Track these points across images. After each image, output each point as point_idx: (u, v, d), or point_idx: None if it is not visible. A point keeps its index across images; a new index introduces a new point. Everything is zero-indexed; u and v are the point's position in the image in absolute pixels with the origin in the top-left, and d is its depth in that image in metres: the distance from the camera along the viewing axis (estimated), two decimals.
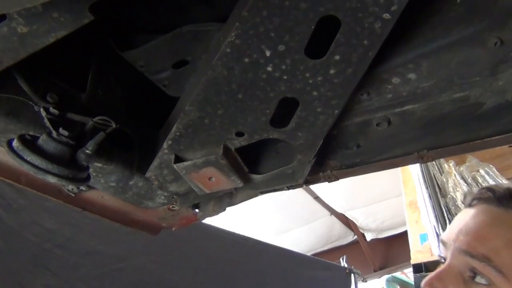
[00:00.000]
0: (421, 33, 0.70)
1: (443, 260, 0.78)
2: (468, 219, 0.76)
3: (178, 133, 0.75)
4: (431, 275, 0.74)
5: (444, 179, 2.82)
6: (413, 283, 2.82)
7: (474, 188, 2.67)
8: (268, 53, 0.63)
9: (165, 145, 0.78)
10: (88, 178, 0.80)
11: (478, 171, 2.78)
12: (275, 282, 3.34)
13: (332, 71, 0.64)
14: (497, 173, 2.76)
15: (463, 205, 0.84)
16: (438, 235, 2.59)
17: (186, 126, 0.74)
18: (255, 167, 0.85)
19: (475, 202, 0.78)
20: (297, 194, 4.51)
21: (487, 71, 0.70)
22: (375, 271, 5.55)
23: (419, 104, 0.77)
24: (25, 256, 1.87)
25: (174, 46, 0.79)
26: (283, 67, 0.64)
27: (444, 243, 0.78)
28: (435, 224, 2.65)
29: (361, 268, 4.87)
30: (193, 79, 0.79)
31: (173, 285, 2.38)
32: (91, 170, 0.81)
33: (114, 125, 0.76)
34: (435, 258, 2.57)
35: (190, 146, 0.78)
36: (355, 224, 5.43)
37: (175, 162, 0.79)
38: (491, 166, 2.79)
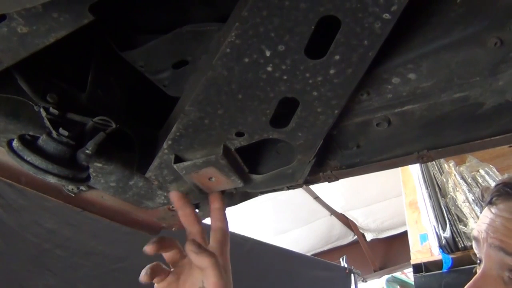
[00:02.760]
0: (421, 33, 0.70)
1: (478, 261, 0.77)
2: (493, 217, 0.76)
3: (178, 133, 0.75)
4: (469, 284, 0.72)
5: (444, 179, 2.82)
6: (413, 283, 2.82)
7: (474, 189, 2.67)
8: (268, 53, 0.62)
9: (165, 145, 0.78)
10: (88, 178, 0.80)
11: (478, 171, 2.78)
12: (275, 282, 3.34)
13: (332, 71, 0.64)
14: (497, 173, 2.75)
15: (481, 202, 0.83)
16: (438, 235, 2.59)
17: (186, 126, 0.74)
18: (255, 167, 0.85)
19: (495, 199, 0.77)
20: (297, 194, 4.51)
21: (487, 71, 0.70)
22: (375, 271, 5.55)
23: (419, 104, 0.77)
24: (25, 256, 1.87)
25: (174, 46, 0.79)
26: (283, 67, 0.64)
27: (476, 240, 0.77)
28: (435, 224, 2.64)
29: (361, 268, 4.88)
30: (193, 79, 0.79)
31: None
32: (91, 170, 0.81)
33: (114, 125, 0.76)
34: (435, 258, 2.58)
35: (190, 146, 0.78)
36: (355, 224, 5.43)
37: (175, 162, 0.79)
38: (491, 166, 2.79)
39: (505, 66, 0.68)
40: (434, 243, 2.60)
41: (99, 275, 2.10)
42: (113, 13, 0.75)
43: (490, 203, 0.79)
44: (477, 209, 2.55)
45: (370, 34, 0.60)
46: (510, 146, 0.76)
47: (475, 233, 0.77)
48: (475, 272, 0.77)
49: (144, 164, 0.84)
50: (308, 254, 4.95)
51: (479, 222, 0.79)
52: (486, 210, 0.80)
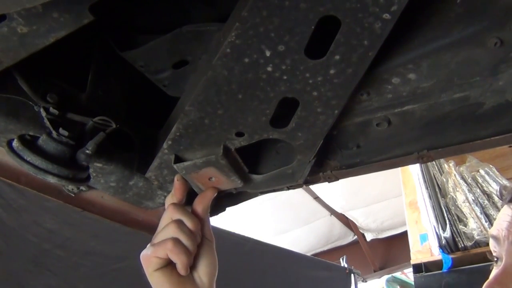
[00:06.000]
0: (421, 33, 0.70)
1: (495, 259, 0.77)
2: None
3: (178, 133, 0.75)
4: (490, 280, 0.72)
5: (444, 179, 2.82)
6: (413, 283, 2.82)
7: (474, 189, 2.67)
8: (268, 53, 0.63)
9: (165, 145, 0.78)
10: (88, 178, 0.80)
11: (478, 171, 2.78)
12: (275, 282, 3.34)
13: (332, 71, 0.64)
14: (497, 173, 2.75)
15: (499, 201, 0.84)
16: (438, 235, 2.59)
17: (186, 126, 0.74)
18: (255, 167, 0.85)
19: None
20: (297, 194, 4.51)
21: (487, 71, 0.70)
22: (375, 271, 5.54)
23: (419, 104, 0.77)
24: (25, 256, 1.87)
25: (174, 46, 0.79)
26: (283, 67, 0.64)
27: (496, 238, 0.77)
28: (435, 224, 2.64)
29: (361, 268, 4.88)
30: (193, 79, 0.79)
31: None
32: (91, 170, 0.81)
33: (114, 125, 0.76)
34: (435, 258, 2.58)
35: (190, 146, 0.78)
36: (355, 224, 5.43)
37: (175, 162, 0.79)
38: (491, 166, 2.79)
39: (505, 66, 0.68)
40: (434, 243, 2.60)
41: (99, 275, 2.10)
42: (113, 13, 0.75)
43: (511, 201, 0.79)
44: (477, 209, 2.56)
45: (370, 34, 0.60)
46: (510, 146, 0.76)
47: (494, 232, 0.78)
48: (491, 271, 0.77)
49: (144, 164, 0.85)
50: (308, 254, 4.95)
51: (498, 220, 0.79)
52: (506, 208, 0.80)
